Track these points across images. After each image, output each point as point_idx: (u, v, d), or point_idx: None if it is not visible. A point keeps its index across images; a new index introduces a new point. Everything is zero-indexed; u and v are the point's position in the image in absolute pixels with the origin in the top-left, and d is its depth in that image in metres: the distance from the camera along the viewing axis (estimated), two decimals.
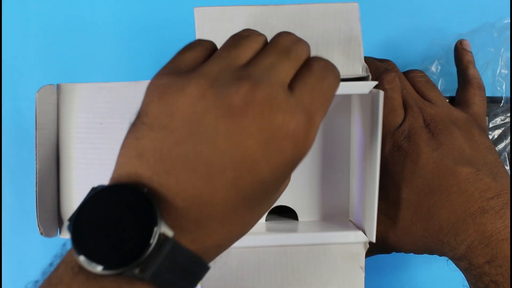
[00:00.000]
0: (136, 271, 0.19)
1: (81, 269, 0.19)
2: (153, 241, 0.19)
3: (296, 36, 0.24)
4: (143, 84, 0.32)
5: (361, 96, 0.32)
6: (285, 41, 0.23)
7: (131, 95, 0.33)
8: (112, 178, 0.22)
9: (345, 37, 0.31)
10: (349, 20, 0.31)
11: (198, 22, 0.31)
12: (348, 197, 0.36)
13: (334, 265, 0.30)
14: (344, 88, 0.29)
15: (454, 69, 0.40)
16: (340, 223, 0.35)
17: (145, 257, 0.19)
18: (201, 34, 0.31)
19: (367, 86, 0.29)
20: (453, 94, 0.39)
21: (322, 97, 0.22)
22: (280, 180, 0.23)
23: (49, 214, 0.34)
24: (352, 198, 0.35)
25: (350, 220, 0.35)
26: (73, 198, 0.34)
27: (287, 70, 0.22)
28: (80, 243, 0.19)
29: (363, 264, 0.30)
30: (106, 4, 0.45)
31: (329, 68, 0.23)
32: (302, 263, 0.30)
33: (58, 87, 0.34)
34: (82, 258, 0.19)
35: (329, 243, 0.30)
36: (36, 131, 0.33)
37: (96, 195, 0.20)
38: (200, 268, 0.21)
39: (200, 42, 0.25)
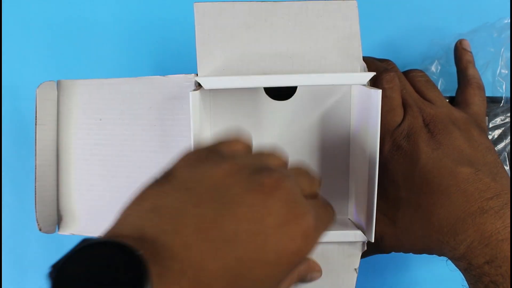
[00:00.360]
0: None
1: None
2: None
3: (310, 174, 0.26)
4: (143, 80, 0.33)
5: (360, 94, 0.32)
6: (304, 170, 0.26)
7: (131, 91, 0.33)
8: (114, 227, 0.21)
9: (344, 35, 0.31)
10: (348, 18, 0.31)
11: (198, 18, 0.31)
12: (348, 196, 0.35)
13: (329, 265, 0.30)
14: (341, 79, 0.30)
15: (454, 69, 0.40)
16: (339, 222, 0.34)
17: None
18: (201, 29, 0.31)
19: (365, 77, 0.29)
20: (453, 94, 0.39)
21: (324, 218, 0.24)
22: (279, 273, 0.22)
23: (48, 210, 0.34)
24: (351, 196, 0.35)
25: (349, 219, 0.35)
26: (72, 194, 0.34)
27: (305, 184, 0.24)
28: None
29: (357, 266, 0.30)
30: (105, 1, 0.45)
31: (329, 208, 0.26)
32: None
33: (58, 83, 0.34)
34: None
35: (326, 242, 0.30)
36: (35, 127, 0.33)
37: (87, 248, 0.18)
38: None
39: (239, 138, 0.26)
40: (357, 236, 0.31)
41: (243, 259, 0.20)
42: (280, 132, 0.34)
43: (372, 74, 0.29)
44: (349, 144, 0.35)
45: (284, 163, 0.25)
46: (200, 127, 0.29)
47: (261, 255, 0.21)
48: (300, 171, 0.25)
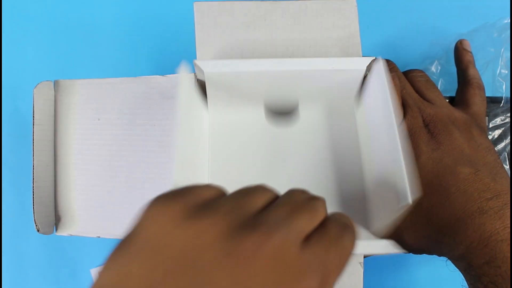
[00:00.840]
0: None
1: None
2: None
3: (311, 193, 0.23)
4: (142, 80, 0.32)
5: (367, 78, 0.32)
6: (300, 196, 0.22)
7: (129, 91, 0.33)
8: None
9: (343, 34, 0.31)
10: (347, 17, 0.31)
11: (198, 17, 0.31)
12: (364, 188, 0.35)
13: None
14: (340, 64, 0.29)
15: (454, 69, 0.40)
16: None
17: None
18: (200, 29, 0.31)
19: (364, 61, 0.30)
20: (453, 94, 0.39)
21: (337, 257, 0.20)
22: None
23: (46, 211, 0.33)
24: (369, 201, 0.35)
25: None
26: (70, 194, 0.34)
27: (303, 223, 0.20)
28: None
29: (362, 260, 0.30)
30: (104, 0, 0.45)
31: (346, 226, 0.22)
32: None
33: (56, 83, 0.34)
34: None
35: None
36: (33, 127, 0.32)
37: None
38: None
39: (213, 186, 0.22)
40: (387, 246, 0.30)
41: None
42: (286, 155, 0.34)
43: (371, 58, 0.30)
44: (358, 138, 0.35)
45: (272, 197, 0.22)
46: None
47: None
48: (296, 204, 0.21)
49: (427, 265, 0.45)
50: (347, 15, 0.31)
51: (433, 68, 0.43)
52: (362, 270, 0.30)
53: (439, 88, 0.41)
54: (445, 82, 0.43)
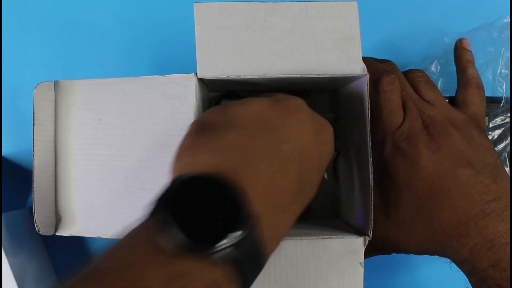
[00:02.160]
0: (222, 253, 0.19)
1: (160, 250, 0.19)
2: (239, 229, 0.20)
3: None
4: (142, 80, 0.32)
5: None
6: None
7: (129, 91, 0.33)
8: (193, 168, 0.23)
9: (344, 36, 0.31)
10: (348, 19, 0.31)
11: (198, 18, 0.31)
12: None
13: (334, 260, 0.30)
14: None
15: (453, 68, 0.40)
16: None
17: (233, 241, 0.19)
18: (200, 30, 0.31)
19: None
20: (453, 94, 0.39)
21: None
22: (318, 177, 0.27)
23: (47, 211, 0.33)
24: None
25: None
26: (71, 194, 0.34)
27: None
28: (178, 220, 0.19)
29: (362, 260, 0.30)
30: (104, 0, 0.45)
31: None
32: (301, 258, 0.30)
33: (56, 83, 0.34)
34: (178, 236, 0.19)
35: (328, 238, 0.30)
36: (33, 127, 0.32)
37: (188, 184, 0.21)
38: (264, 261, 0.22)
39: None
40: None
41: (301, 170, 0.25)
42: None
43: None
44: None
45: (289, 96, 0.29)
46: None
47: (311, 163, 0.26)
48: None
49: (428, 265, 0.45)
50: (348, 17, 0.31)
51: (433, 68, 0.43)
52: (362, 270, 0.30)
53: (439, 88, 0.41)
54: (444, 82, 0.43)
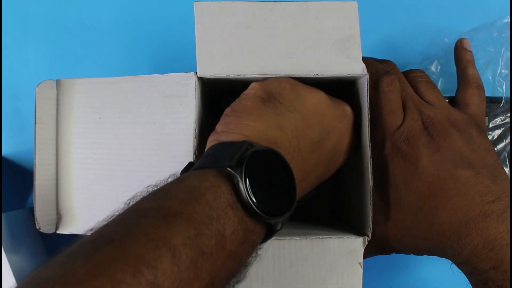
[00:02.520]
0: (278, 223, 0.24)
1: (237, 205, 0.23)
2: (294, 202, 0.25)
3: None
4: (142, 79, 0.33)
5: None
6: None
7: (130, 90, 0.33)
8: (248, 137, 0.26)
9: (344, 36, 0.31)
10: (348, 19, 0.31)
11: (198, 17, 0.31)
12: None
13: (333, 260, 0.30)
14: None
15: (454, 68, 0.40)
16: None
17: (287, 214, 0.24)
18: (200, 28, 0.31)
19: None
20: (453, 93, 0.39)
21: None
22: (350, 143, 0.33)
23: (47, 209, 0.33)
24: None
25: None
26: (72, 193, 0.34)
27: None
28: (252, 188, 0.23)
29: (361, 260, 0.30)
30: (104, 0, 0.45)
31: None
32: (301, 257, 0.30)
33: (58, 82, 0.34)
34: (250, 201, 0.23)
35: (328, 237, 0.30)
36: (35, 126, 0.33)
37: (257, 154, 0.24)
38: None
39: None
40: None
41: (330, 148, 0.31)
42: None
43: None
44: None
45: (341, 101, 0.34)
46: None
47: (339, 142, 0.32)
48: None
49: (428, 266, 0.45)
50: (348, 16, 0.31)
51: (433, 68, 0.43)
52: (361, 270, 0.30)
53: (439, 88, 0.41)
54: (445, 82, 0.43)
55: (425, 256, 0.34)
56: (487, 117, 0.41)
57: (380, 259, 0.41)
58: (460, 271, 0.32)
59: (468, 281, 0.31)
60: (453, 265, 0.32)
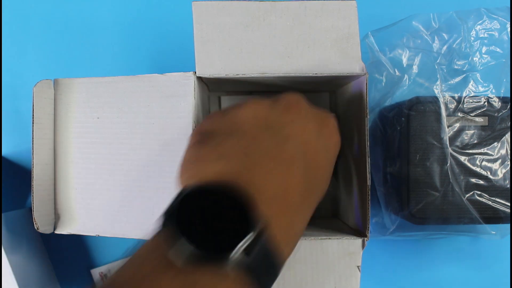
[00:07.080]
0: (233, 261, 0.19)
1: (171, 263, 0.19)
2: (251, 233, 0.19)
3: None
4: (141, 79, 0.33)
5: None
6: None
7: (128, 90, 0.33)
8: (199, 179, 0.22)
9: (343, 35, 0.31)
10: (347, 18, 0.31)
11: (196, 17, 0.31)
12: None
13: (331, 263, 0.30)
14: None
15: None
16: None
17: (244, 246, 0.19)
18: (199, 28, 0.31)
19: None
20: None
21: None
22: (328, 171, 0.27)
23: (46, 209, 0.33)
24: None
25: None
26: (70, 193, 0.34)
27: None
28: (186, 232, 0.19)
29: (359, 264, 0.30)
30: (103, 0, 0.45)
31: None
32: (299, 260, 0.30)
33: (55, 82, 0.34)
34: (187, 248, 0.19)
35: (327, 238, 0.30)
36: (33, 126, 0.33)
37: (193, 195, 0.20)
38: (280, 264, 0.21)
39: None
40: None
41: (307, 167, 0.24)
42: None
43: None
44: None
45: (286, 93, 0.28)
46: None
47: (317, 158, 0.25)
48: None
49: (429, 267, 0.45)
50: (347, 16, 0.31)
51: None
52: (359, 274, 0.30)
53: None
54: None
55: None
56: (487, 117, 0.41)
57: (379, 262, 0.41)
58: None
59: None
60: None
